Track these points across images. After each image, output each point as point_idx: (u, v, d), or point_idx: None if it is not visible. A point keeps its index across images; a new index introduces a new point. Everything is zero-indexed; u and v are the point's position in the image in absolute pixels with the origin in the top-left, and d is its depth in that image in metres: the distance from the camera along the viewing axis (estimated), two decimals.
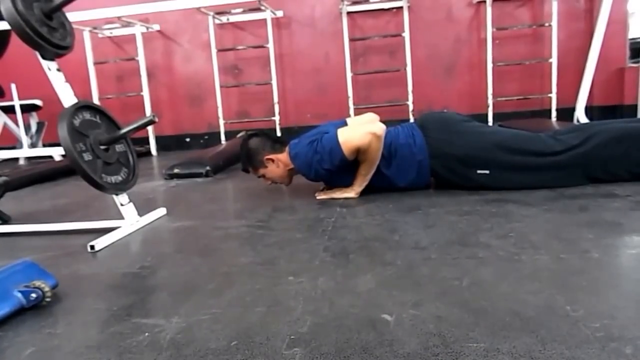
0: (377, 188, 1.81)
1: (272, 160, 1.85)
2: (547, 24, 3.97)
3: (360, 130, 1.68)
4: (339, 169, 1.73)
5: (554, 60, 3.94)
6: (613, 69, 3.99)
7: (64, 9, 1.57)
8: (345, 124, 1.89)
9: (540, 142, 1.69)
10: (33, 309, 0.93)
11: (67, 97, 1.51)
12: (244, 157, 1.91)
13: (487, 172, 1.70)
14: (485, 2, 3.95)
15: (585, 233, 1.16)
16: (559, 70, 3.95)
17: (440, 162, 1.74)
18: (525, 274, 0.93)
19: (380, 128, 1.68)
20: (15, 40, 1.44)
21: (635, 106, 3.62)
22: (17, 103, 2.01)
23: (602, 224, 1.23)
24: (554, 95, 3.96)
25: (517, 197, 1.57)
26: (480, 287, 0.88)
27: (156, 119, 1.52)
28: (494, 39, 3.97)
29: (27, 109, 4.21)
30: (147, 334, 0.80)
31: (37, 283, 0.95)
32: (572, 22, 4.02)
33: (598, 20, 3.74)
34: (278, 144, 1.88)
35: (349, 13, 4.13)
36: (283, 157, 1.84)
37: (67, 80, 1.56)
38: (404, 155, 1.75)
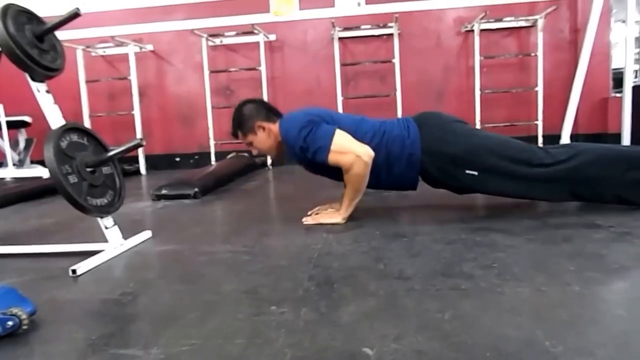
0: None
1: (264, 129, 1.82)
2: (533, 54, 4.07)
3: (350, 149, 1.66)
4: (319, 166, 1.75)
5: (539, 88, 4.04)
6: (597, 98, 4.09)
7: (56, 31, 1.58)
8: (346, 121, 1.80)
9: (530, 152, 1.72)
10: (9, 337, 0.91)
11: (55, 119, 1.51)
12: (235, 120, 1.86)
13: (475, 173, 1.71)
14: (473, 31, 4.05)
15: (567, 265, 1.17)
16: (545, 99, 4.05)
17: (430, 158, 1.74)
18: (506, 307, 0.94)
19: (368, 154, 1.67)
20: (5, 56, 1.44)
21: (619, 135, 3.70)
22: (3, 120, 2.01)
23: (584, 256, 1.25)
24: (540, 123, 4.04)
25: (501, 226, 1.59)
26: (462, 321, 0.88)
27: (144, 143, 1.53)
28: (481, 67, 4.06)
29: (16, 125, 4.18)
30: None
31: (15, 310, 0.93)
32: (557, 52, 4.14)
33: (582, 51, 3.84)
34: (273, 114, 1.84)
35: (340, 39, 4.21)
36: (275, 128, 1.81)
37: (58, 98, 1.56)
38: (395, 147, 1.75)
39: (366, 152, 1.67)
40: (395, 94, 4.11)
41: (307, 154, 1.71)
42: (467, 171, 1.72)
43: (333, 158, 1.67)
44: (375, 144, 1.73)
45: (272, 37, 4.35)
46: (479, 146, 1.72)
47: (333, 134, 1.68)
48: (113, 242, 1.53)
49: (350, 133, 1.72)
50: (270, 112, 1.85)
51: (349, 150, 1.67)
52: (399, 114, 4.06)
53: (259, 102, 1.89)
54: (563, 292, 1.00)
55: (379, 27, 4.18)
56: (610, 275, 1.10)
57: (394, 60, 4.10)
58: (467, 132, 1.78)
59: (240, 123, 1.85)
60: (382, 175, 1.78)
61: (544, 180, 1.69)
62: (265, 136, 1.83)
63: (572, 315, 0.89)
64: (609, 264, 1.18)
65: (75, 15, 1.46)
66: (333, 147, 1.66)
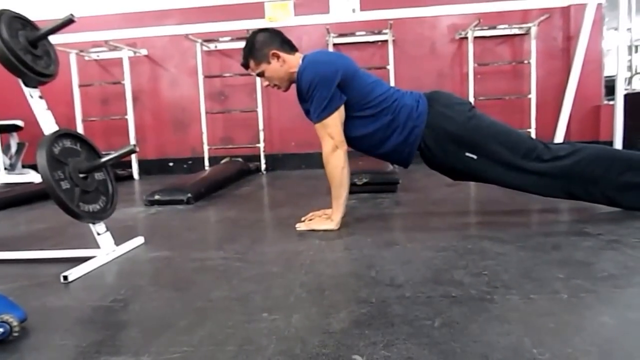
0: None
1: (278, 57, 1.79)
2: (526, 62, 4.12)
3: (335, 137, 1.73)
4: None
5: (532, 96, 4.07)
6: (589, 106, 4.13)
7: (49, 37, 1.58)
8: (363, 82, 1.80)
9: (532, 145, 1.74)
10: None
11: (48, 125, 1.51)
12: (247, 48, 1.81)
13: (475, 157, 1.73)
14: (467, 38, 4.09)
15: (556, 272, 1.19)
16: (538, 106, 4.09)
17: (433, 134, 1.75)
18: (495, 314, 0.95)
19: (344, 149, 1.75)
20: None
21: (611, 142, 3.74)
22: None
23: (573, 263, 1.26)
24: (533, 130, 4.07)
25: (492, 234, 1.60)
26: (451, 328, 0.89)
27: (137, 149, 1.53)
28: (475, 74, 4.10)
29: (8, 129, 4.17)
30: None
31: (5, 317, 0.93)
32: (550, 60, 4.18)
33: (574, 58, 3.89)
34: (287, 44, 1.83)
35: (335, 45, 4.23)
36: (290, 58, 1.80)
37: (51, 102, 1.56)
38: (402, 116, 1.76)
39: (343, 147, 1.75)
40: None
41: (306, 101, 1.76)
42: (467, 154, 1.73)
43: (318, 128, 1.74)
44: (384, 107, 1.77)
45: None
46: (483, 131, 1.73)
47: (333, 111, 1.72)
48: (105, 249, 1.53)
49: (366, 91, 1.77)
50: (284, 42, 1.83)
51: (332, 135, 1.73)
52: None
53: (273, 31, 1.86)
54: (551, 300, 1.01)
55: (373, 33, 4.20)
56: (598, 283, 1.12)
57: (388, 67, 4.13)
58: (474, 116, 1.77)
59: (253, 51, 1.80)
60: (379, 140, 1.80)
61: (540, 174, 1.71)
62: (278, 65, 1.80)
63: (559, 323, 0.90)
64: (597, 271, 1.20)
65: (69, 21, 1.47)
66: (325, 121, 1.72)
